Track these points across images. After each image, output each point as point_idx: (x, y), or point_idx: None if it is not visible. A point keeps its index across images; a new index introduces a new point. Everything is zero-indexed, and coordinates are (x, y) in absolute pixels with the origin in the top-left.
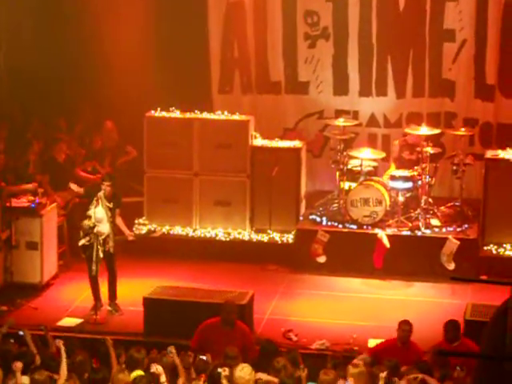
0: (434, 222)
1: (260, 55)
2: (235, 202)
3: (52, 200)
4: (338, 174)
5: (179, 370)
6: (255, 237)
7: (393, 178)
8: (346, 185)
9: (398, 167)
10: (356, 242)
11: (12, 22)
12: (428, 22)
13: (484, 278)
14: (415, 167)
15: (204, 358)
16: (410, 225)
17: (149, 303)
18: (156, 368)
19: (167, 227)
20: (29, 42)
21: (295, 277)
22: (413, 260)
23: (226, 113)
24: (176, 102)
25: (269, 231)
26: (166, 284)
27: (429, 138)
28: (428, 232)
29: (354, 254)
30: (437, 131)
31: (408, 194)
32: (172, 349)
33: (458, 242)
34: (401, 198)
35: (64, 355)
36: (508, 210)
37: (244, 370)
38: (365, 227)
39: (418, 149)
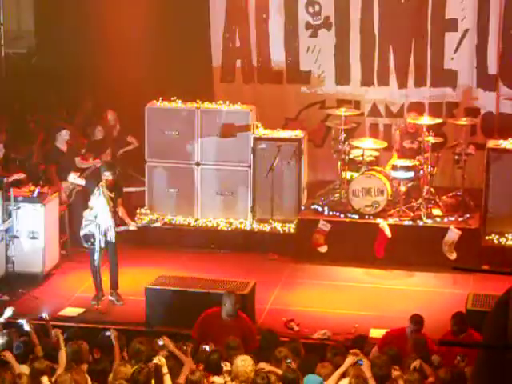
0: (436, 211)
1: (262, 45)
2: (237, 192)
3: (54, 189)
4: (339, 163)
5: (181, 357)
6: (257, 226)
7: (394, 167)
8: (347, 175)
9: (399, 157)
10: (357, 232)
11: (12, 12)
12: (430, 11)
13: (485, 267)
14: (417, 157)
15: (207, 347)
16: (412, 214)
17: (150, 293)
18: (159, 359)
19: (169, 217)
20: (29, 32)
21: (297, 266)
22: (414, 250)
23: (227, 102)
24: (178, 91)
25: (270, 221)
26: (168, 274)
27: (430, 128)
28: (430, 222)
29: (356, 244)
30: (439, 121)
31: (410, 184)
32: (163, 339)
33: (460, 232)
34: (402, 188)
35: (63, 345)
36: (510, 200)
37: (245, 362)
38: (366, 217)
39: (420, 138)
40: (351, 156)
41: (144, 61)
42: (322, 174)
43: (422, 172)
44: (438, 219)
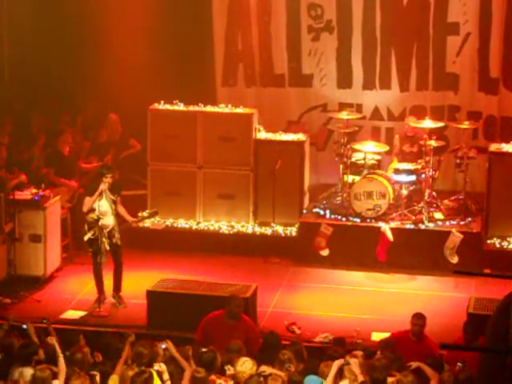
0: (438, 215)
1: (264, 48)
2: (239, 195)
3: (56, 192)
4: (341, 167)
5: (182, 363)
6: (258, 230)
7: (396, 171)
8: (349, 178)
9: (400, 161)
10: (359, 236)
11: (14, 15)
12: (432, 15)
13: (487, 271)
14: (419, 160)
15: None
16: (414, 218)
17: (152, 296)
18: (160, 365)
19: (171, 220)
20: (31, 35)
21: (298, 270)
22: (416, 253)
23: (229, 106)
24: (180, 94)
25: (272, 224)
26: (170, 277)
27: (432, 131)
28: (431, 225)
29: (358, 248)
30: (440, 124)
31: (411, 188)
32: (167, 343)
33: (462, 236)
34: (404, 192)
35: (60, 352)
36: (511, 204)
37: (245, 365)
38: (368, 220)
39: (421, 142)
40: (353, 159)
41: (146, 64)
42: (324, 177)
43: (423, 175)
44: (440, 223)
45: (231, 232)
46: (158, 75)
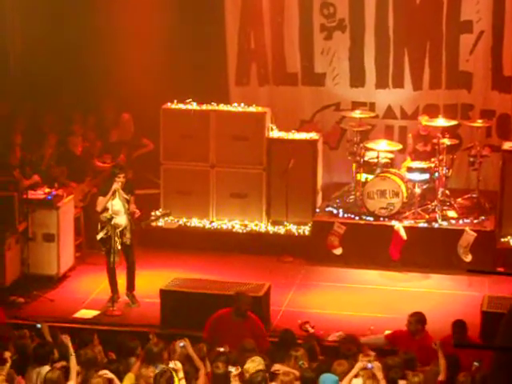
0: (451, 213)
1: (276, 47)
2: (252, 194)
3: (69, 192)
4: (354, 165)
5: (197, 363)
6: (272, 229)
7: (410, 169)
8: (362, 177)
9: (413, 159)
10: (373, 234)
11: (26, 14)
12: (445, 13)
13: (501, 269)
14: (432, 159)
15: (221, 349)
16: (427, 217)
17: (165, 295)
18: (175, 363)
19: (184, 219)
20: (43, 35)
21: (311, 269)
22: (430, 252)
23: (242, 105)
24: (193, 93)
25: (285, 223)
26: (183, 276)
27: (446, 130)
28: (445, 224)
29: (371, 246)
30: (454, 123)
31: (425, 186)
32: (185, 341)
33: (475, 234)
34: (417, 190)
35: (72, 351)
36: None
37: (254, 362)
38: (381, 219)
39: (435, 140)
40: (366, 158)
41: (159, 63)
42: (337, 176)
43: (437, 174)
44: (453, 221)
45: (244, 231)
46: (170, 74)
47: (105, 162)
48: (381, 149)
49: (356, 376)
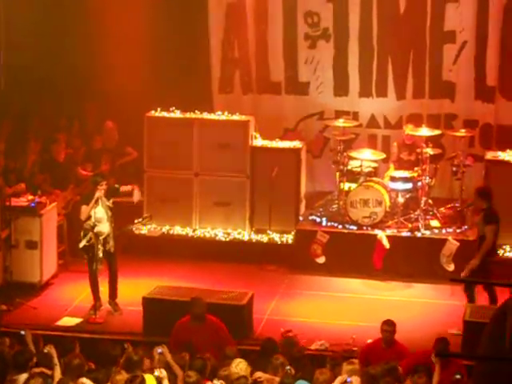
0: (434, 223)
1: (260, 55)
2: (235, 203)
3: (52, 199)
4: (337, 174)
5: (175, 369)
6: (255, 237)
7: (393, 178)
8: (345, 185)
9: (396, 168)
10: (355, 243)
11: (11, 20)
12: (428, 23)
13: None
14: (415, 168)
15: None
16: (410, 226)
17: (148, 303)
18: (160, 371)
19: (167, 227)
20: (28, 40)
21: (295, 277)
22: (412, 261)
23: (226, 113)
24: (176, 101)
25: (268, 231)
26: (166, 284)
27: (429, 139)
28: (428, 233)
29: (354, 255)
30: (437, 132)
31: (408, 195)
32: (163, 348)
33: (458, 244)
34: (400, 199)
35: (56, 361)
36: (507, 212)
37: (239, 366)
38: (364, 228)
39: (418, 150)
40: (349, 167)
41: (143, 71)
42: (320, 184)
43: (420, 183)
44: (436, 231)
45: (227, 239)
46: (154, 82)
47: (86, 170)
48: (364, 158)
49: None
